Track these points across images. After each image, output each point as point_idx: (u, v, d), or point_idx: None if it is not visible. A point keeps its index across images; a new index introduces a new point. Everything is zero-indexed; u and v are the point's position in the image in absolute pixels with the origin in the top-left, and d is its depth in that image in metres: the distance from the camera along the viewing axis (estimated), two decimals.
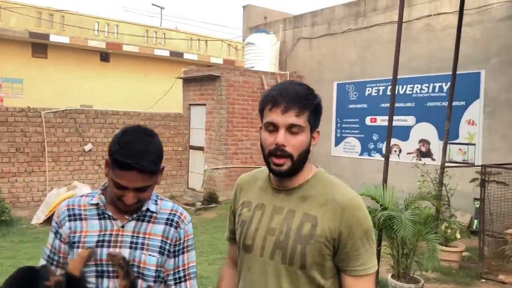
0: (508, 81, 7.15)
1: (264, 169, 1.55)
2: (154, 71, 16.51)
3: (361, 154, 9.36)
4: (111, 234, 1.54)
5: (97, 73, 15.65)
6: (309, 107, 1.38)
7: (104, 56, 16.13)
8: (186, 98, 10.52)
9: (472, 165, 6.27)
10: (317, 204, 1.38)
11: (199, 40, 18.22)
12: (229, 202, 7.59)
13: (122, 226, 1.55)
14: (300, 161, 1.39)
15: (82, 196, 1.63)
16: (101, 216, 1.56)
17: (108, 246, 1.52)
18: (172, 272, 1.61)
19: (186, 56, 17.34)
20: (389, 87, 8.91)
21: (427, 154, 8.17)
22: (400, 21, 4.74)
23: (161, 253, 1.56)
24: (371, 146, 9.13)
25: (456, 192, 6.11)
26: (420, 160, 8.04)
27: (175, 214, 1.62)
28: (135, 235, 1.55)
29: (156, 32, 17.33)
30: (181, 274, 1.62)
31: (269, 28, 11.50)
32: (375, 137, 9.04)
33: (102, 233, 1.53)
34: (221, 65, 11.34)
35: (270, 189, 1.49)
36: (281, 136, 1.35)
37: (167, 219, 1.60)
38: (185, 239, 1.63)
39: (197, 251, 1.78)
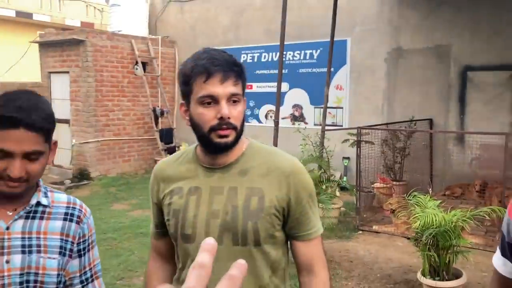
0: (370, 49, 7.79)
1: (185, 151, 1.46)
2: None
3: None
4: None
5: None
6: (242, 75, 1.31)
7: None
8: (45, 66, 9.37)
9: (350, 128, 6.76)
10: (259, 175, 1.33)
11: None
12: (103, 178, 7.10)
13: (7, 228, 1.23)
14: (241, 132, 1.32)
15: None
16: None
17: None
18: (78, 274, 1.37)
19: (36, 17, 15.37)
20: (264, 54, 9.10)
21: (300, 118, 8.59)
22: None
23: (62, 254, 1.30)
24: (248, 112, 9.27)
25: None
26: (293, 124, 8.45)
27: (74, 208, 1.37)
28: (27, 236, 1.26)
29: None
30: (88, 274, 1.40)
31: None
32: (251, 103, 9.18)
33: None
34: (85, 28, 10.28)
35: (201, 169, 1.37)
36: (226, 108, 1.25)
37: (66, 213, 1.34)
38: (89, 234, 1.40)
39: None
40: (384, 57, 7.68)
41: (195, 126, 1.31)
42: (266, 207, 1.29)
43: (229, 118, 1.26)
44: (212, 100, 1.25)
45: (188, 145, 10.13)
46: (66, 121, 9.11)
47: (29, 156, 1.18)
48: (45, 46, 9.27)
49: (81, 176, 8.71)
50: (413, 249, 3.99)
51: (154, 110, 9.45)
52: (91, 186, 8.38)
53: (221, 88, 1.24)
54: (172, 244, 1.46)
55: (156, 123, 9.56)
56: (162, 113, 9.59)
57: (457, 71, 7.02)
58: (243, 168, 1.34)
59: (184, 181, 1.38)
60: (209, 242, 0.51)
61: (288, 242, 1.42)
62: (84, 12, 17.31)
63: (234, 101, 1.28)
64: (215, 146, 1.30)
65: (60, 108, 9.17)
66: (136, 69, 9.42)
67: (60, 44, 8.91)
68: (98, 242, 1.47)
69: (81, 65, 8.65)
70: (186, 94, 1.31)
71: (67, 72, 8.91)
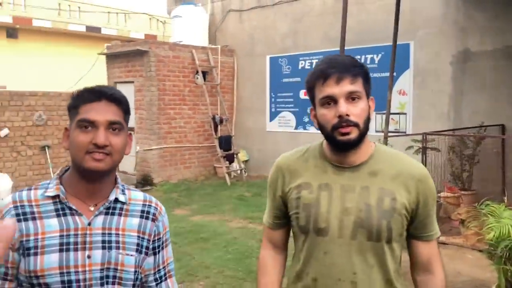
0: (435, 52, 7.48)
1: (309, 147, 1.54)
2: (70, 47, 15.31)
3: (296, 128, 9.42)
4: (76, 234, 1.25)
5: (5, 51, 14.16)
6: (361, 74, 1.37)
7: (11, 32, 14.61)
8: (111, 76, 9.85)
9: (414, 134, 6.51)
10: (389, 177, 1.40)
11: (117, 13, 17.16)
12: (165, 184, 7.25)
13: (89, 224, 1.27)
14: (365, 129, 1.37)
15: (30, 189, 1.32)
16: (60, 212, 1.26)
17: (76, 250, 1.24)
18: (152, 272, 1.40)
19: (104, 31, 16.26)
20: None
21: None
22: None
23: (138, 251, 1.32)
24: (306, 119, 9.20)
25: None
26: None
27: (150, 205, 1.39)
28: (107, 232, 1.29)
29: (69, 5, 16.03)
30: (162, 273, 1.43)
31: (196, 0, 11.04)
32: (309, 110, 9.10)
33: (65, 233, 1.24)
34: (148, 40, 10.72)
35: (331, 167, 1.44)
36: (344, 106, 1.32)
37: (142, 211, 1.37)
38: (164, 232, 1.42)
39: None
40: (449, 61, 7.34)
41: (321, 127, 1.39)
42: (398, 207, 1.36)
43: (348, 115, 1.31)
44: (331, 101, 1.33)
45: (245, 152, 10.23)
46: (131, 129, 9.46)
47: (112, 127, 1.26)
48: (111, 57, 9.74)
49: (145, 181, 9.02)
50: (486, 263, 3.74)
51: (213, 118, 9.63)
52: (154, 191, 8.65)
53: (338, 88, 1.32)
54: (287, 235, 1.60)
55: (216, 131, 9.73)
56: (221, 121, 9.75)
57: None
58: (373, 169, 1.41)
59: (313, 176, 1.45)
60: None
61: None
62: (148, 24, 18.08)
63: (353, 99, 1.33)
64: (339, 144, 1.36)
65: None
66: (197, 78, 9.66)
67: (125, 55, 9.33)
68: None
69: (145, 75, 8.99)
70: (312, 100, 1.42)
71: (132, 82, 9.30)
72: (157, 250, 1.40)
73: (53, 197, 1.28)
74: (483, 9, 6.97)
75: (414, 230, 1.44)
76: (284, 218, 1.55)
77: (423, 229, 1.44)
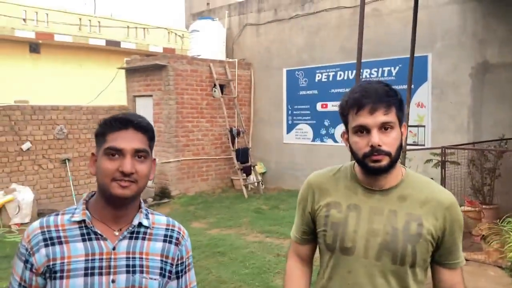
0: (453, 64, 7.41)
1: (341, 168, 1.57)
2: (90, 61, 15.61)
3: (313, 140, 9.39)
4: (101, 259, 1.29)
5: (27, 66, 14.52)
6: (394, 103, 1.39)
7: (34, 47, 14.99)
8: (130, 90, 10.00)
9: (433, 148, 6.43)
10: (417, 203, 1.42)
11: (136, 28, 17.46)
12: (182, 197, 7.28)
13: (114, 248, 1.30)
14: (397, 157, 1.41)
15: (57, 214, 1.35)
16: (86, 236, 1.30)
17: (100, 274, 1.27)
18: None
19: (123, 45, 16.54)
20: (339, 73, 9.00)
21: None
22: (362, 5, 4.67)
23: (162, 275, 1.35)
24: (323, 132, 9.17)
25: None
26: None
27: (173, 230, 1.43)
28: (131, 256, 1.32)
29: (90, 20, 16.37)
30: None
31: (213, 15, 11.18)
32: (326, 122, 9.09)
33: (90, 257, 1.28)
34: (167, 54, 10.87)
35: (361, 189, 1.48)
36: (376, 137, 1.35)
37: (165, 235, 1.40)
38: (187, 256, 1.45)
39: None
40: (469, 72, 7.25)
41: (353, 152, 1.43)
42: (424, 233, 1.38)
43: (380, 146, 1.35)
44: (364, 130, 1.37)
45: (262, 164, 10.23)
46: None
47: (138, 155, 1.30)
48: (131, 71, 9.91)
49: (162, 194, 9.09)
50: (508, 280, 3.66)
51: (231, 131, 9.68)
52: (172, 204, 8.71)
53: (371, 118, 1.35)
54: (313, 250, 1.64)
55: (233, 143, 9.77)
56: (238, 133, 9.80)
57: None
58: (402, 194, 1.43)
59: (343, 197, 1.49)
60: None
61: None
62: (166, 38, 18.33)
63: (386, 128, 1.36)
64: (369, 169, 1.40)
65: None
66: (214, 91, 9.74)
67: (144, 70, 9.48)
68: None
69: (163, 88, 9.11)
70: (345, 124, 1.46)
71: (151, 96, 9.44)
72: (180, 274, 1.42)
73: (79, 222, 1.32)
74: (501, 21, 6.89)
75: (439, 257, 1.46)
76: (311, 234, 1.59)
77: (449, 257, 1.46)
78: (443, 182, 5.28)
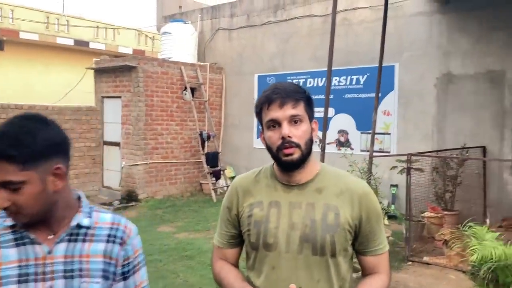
0: (419, 74, 7.64)
1: (262, 169, 1.61)
2: (57, 61, 15.21)
3: None
4: (36, 264, 1.20)
5: None
6: (302, 98, 1.47)
7: None
8: (99, 90, 9.81)
9: (399, 154, 6.60)
10: (333, 194, 1.47)
11: (106, 28, 17.16)
12: (150, 200, 7.22)
13: (49, 252, 1.21)
14: (307, 150, 1.46)
15: None
16: (19, 241, 1.21)
17: (36, 280, 1.19)
18: None
19: (92, 45, 16.18)
20: (309, 80, 9.13)
21: (346, 144, 8.49)
22: (333, 14, 4.77)
23: (105, 277, 1.26)
24: None
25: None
26: (339, 150, 8.35)
27: (117, 228, 1.33)
28: (69, 260, 1.23)
29: (58, 19, 15.98)
30: None
31: (185, 18, 11.15)
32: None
33: (24, 263, 1.19)
34: (137, 55, 10.74)
35: (280, 186, 1.52)
36: (286, 128, 1.42)
37: (109, 235, 1.30)
38: (135, 256, 1.35)
39: None
40: (433, 83, 7.50)
41: (268, 148, 1.49)
42: (342, 222, 1.43)
43: (290, 137, 1.41)
44: (276, 123, 1.43)
45: (232, 168, 10.23)
46: (116, 144, 9.45)
47: (6, 186, 1.14)
48: (99, 72, 9.73)
49: (129, 197, 8.94)
50: (469, 284, 3.78)
51: (201, 134, 9.64)
52: (139, 207, 8.57)
53: (281, 112, 1.42)
54: (239, 253, 1.65)
55: (203, 147, 9.73)
56: (208, 137, 9.77)
57: None
58: (318, 187, 1.49)
59: (265, 195, 1.53)
60: None
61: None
62: (136, 40, 18.09)
63: (296, 121, 1.43)
64: (283, 164, 1.46)
65: (112, 131, 9.55)
66: (185, 94, 9.69)
67: (113, 70, 9.33)
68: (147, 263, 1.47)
69: (133, 90, 8.99)
70: (261, 123, 1.51)
71: (119, 97, 9.29)
72: (127, 275, 1.33)
73: (12, 227, 1.22)
74: (465, 33, 7.17)
75: (359, 245, 1.51)
76: (238, 238, 1.61)
77: (368, 244, 1.50)
78: (408, 189, 5.43)
